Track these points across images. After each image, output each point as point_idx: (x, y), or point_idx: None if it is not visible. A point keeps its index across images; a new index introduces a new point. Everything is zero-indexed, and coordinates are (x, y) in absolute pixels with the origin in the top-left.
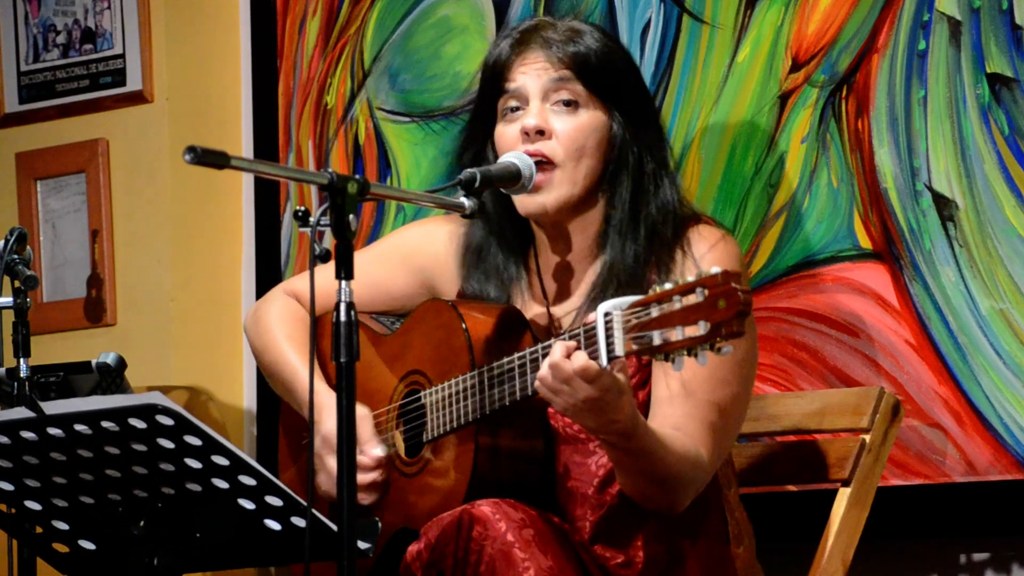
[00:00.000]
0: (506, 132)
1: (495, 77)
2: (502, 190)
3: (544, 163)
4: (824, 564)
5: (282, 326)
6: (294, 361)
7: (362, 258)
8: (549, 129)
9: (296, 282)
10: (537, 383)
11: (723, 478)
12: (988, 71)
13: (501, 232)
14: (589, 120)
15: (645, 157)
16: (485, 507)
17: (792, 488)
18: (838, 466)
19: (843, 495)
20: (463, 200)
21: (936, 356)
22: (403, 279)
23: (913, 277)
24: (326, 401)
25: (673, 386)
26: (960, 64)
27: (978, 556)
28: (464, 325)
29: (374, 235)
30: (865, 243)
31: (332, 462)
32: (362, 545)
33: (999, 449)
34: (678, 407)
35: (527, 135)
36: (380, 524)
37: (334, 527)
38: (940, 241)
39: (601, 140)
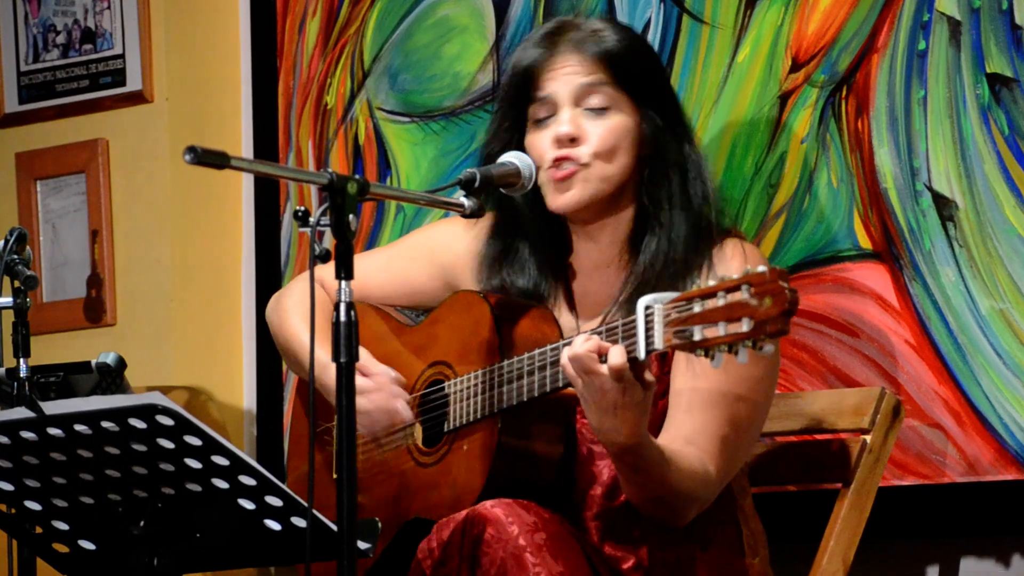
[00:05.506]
0: (537, 140)
1: (524, 83)
2: (502, 190)
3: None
4: (825, 564)
5: (299, 310)
6: (305, 338)
7: (388, 252)
8: (582, 135)
9: (319, 271)
10: (563, 360)
11: (738, 489)
12: (988, 71)
13: (535, 233)
14: (621, 122)
15: (685, 151)
16: (497, 509)
17: (792, 488)
18: (839, 466)
19: (844, 495)
20: (463, 200)
21: (936, 356)
22: (427, 275)
23: (913, 277)
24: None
25: (691, 398)
26: (960, 64)
27: (978, 556)
28: (494, 318)
29: (374, 235)
30: (865, 243)
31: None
32: (362, 545)
33: (999, 449)
34: (694, 418)
35: (559, 143)
36: (380, 524)
37: (334, 527)
38: (940, 241)
39: (633, 141)
